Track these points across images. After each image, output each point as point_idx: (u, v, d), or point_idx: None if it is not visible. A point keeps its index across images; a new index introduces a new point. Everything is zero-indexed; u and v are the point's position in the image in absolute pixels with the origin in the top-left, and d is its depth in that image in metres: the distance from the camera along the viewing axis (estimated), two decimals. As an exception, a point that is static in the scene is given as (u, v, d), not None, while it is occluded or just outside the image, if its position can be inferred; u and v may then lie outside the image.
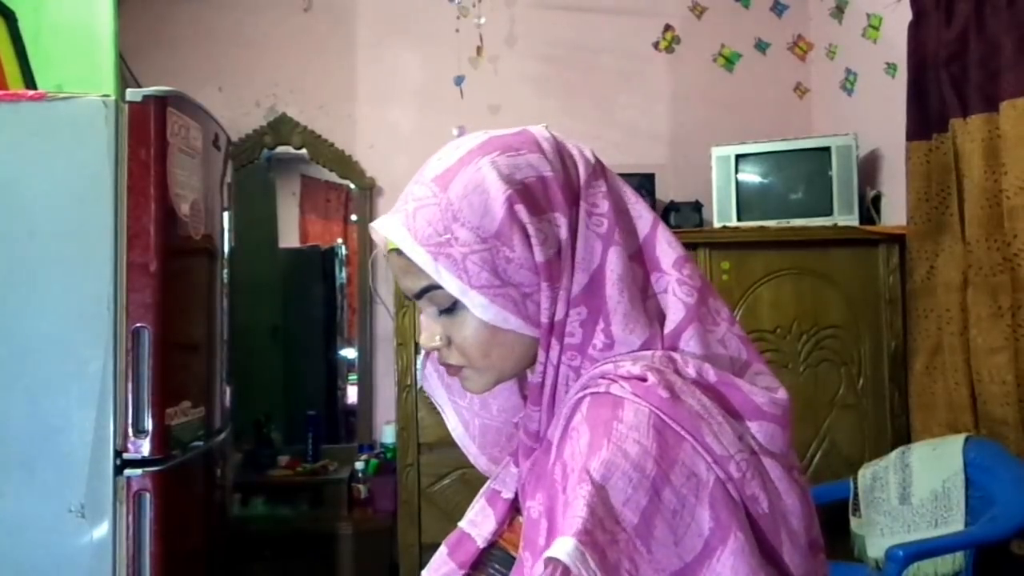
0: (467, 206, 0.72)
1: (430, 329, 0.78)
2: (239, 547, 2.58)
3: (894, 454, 2.39)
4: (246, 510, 3.02)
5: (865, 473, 2.42)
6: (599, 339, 0.71)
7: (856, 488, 2.41)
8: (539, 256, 0.71)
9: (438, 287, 0.73)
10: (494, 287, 0.71)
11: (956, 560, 2.12)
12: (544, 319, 0.72)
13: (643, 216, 0.77)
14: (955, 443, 2.26)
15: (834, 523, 2.43)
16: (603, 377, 0.69)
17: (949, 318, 2.49)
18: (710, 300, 0.75)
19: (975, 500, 2.16)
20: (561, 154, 0.76)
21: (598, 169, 0.77)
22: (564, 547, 0.58)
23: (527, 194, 0.72)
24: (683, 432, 0.64)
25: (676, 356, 0.71)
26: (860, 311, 2.75)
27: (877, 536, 2.29)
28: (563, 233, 0.72)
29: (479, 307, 0.72)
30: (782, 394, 0.72)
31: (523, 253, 0.71)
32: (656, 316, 0.74)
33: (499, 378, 0.79)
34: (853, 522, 2.40)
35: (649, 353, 0.71)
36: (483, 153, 0.74)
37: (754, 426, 0.69)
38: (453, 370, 0.80)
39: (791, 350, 2.73)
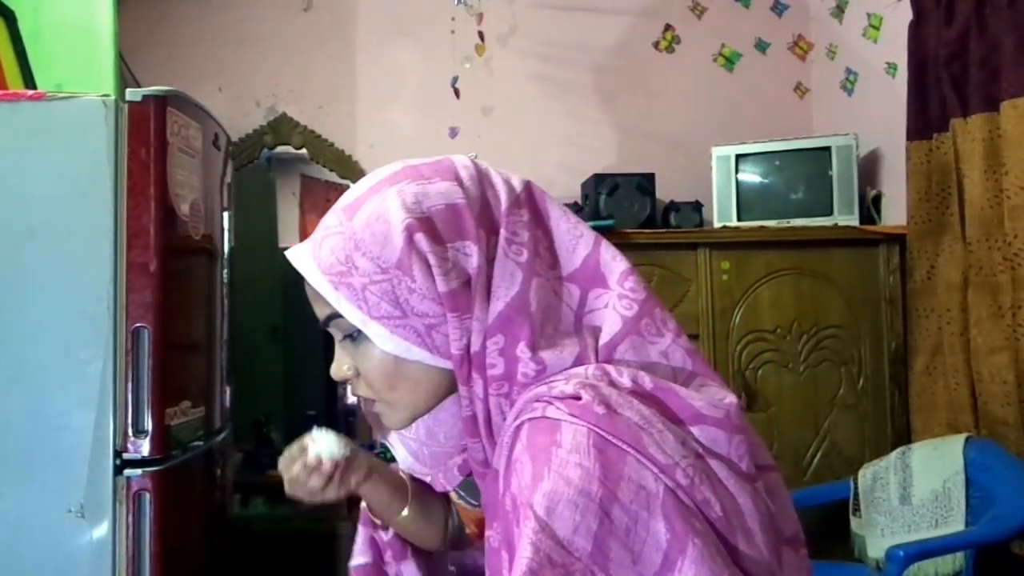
0: (369, 236, 0.71)
1: (340, 359, 0.79)
2: (239, 547, 2.58)
3: (894, 454, 2.39)
4: (246, 510, 3.02)
5: (865, 473, 2.42)
6: (528, 367, 0.70)
7: (856, 488, 2.41)
8: (441, 286, 0.70)
9: (340, 316, 0.73)
10: (395, 318, 0.71)
11: (956, 560, 2.12)
12: (455, 350, 0.71)
13: (583, 237, 0.76)
14: (955, 443, 2.26)
15: (834, 523, 2.43)
16: (537, 400, 0.67)
17: (949, 318, 2.49)
18: (656, 311, 0.74)
19: (975, 500, 2.16)
20: (481, 183, 0.75)
21: (523, 198, 0.76)
22: None
23: (430, 224, 0.71)
24: (624, 446, 0.63)
25: (610, 368, 0.69)
26: (860, 311, 2.75)
27: (877, 536, 2.29)
28: (473, 262, 0.71)
29: (379, 337, 0.71)
30: (728, 400, 0.70)
31: (424, 283, 0.70)
32: (591, 331, 0.73)
33: (413, 413, 0.78)
34: (853, 522, 2.40)
35: (582, 369, 0.69)
36: (392, 183, 0.74)
37: (695, 430, 0.68)
38: (368, 403, 0.80)
39: (791, 350, 2.73)
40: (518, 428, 0.68)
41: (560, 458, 0.62)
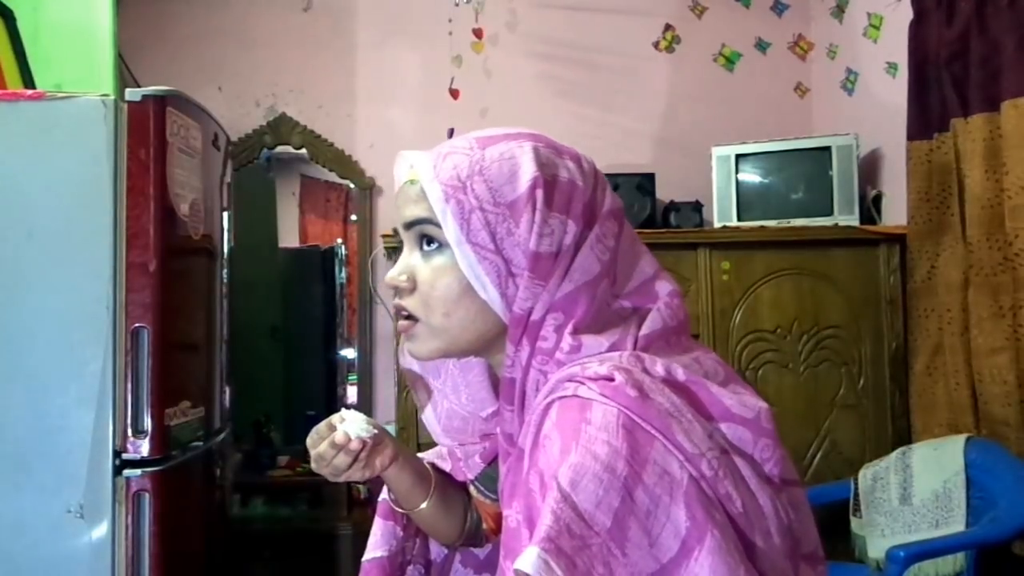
0: (496, 168, 0.74)
1: (403, 266, 0.79)
2: (239, 547, 2.58)
3: (895, 454, 2.39)
4: (246, 510, 3.02)
5: (866, 473, 2.41)
6: (567, 342, 0.72)
7: (857, 488, 2.41)
8: (533, 245, 0.72)
9: (434, 223, 0.74)
10: (487, 250, 0.72)
11: (957, 561, 2.12)
12: (518, 309, 0.72)
13: (645, 270, 0.80)
14: (956, 443, 2.26)
15: (835, 523, 2.42)
16: (570, 380, 0.69)
17: (950, 318, 2.49)
18: (682, 338, 0.77)
19: (976, 501, 2.15)
20: (596, 180, 0.78)
21: (619, 212, 0.79)
22: (528, 558, 0.58)
23: (552, 187, 0.74)
24: (653, 431, 0.64)
25: (644, 356, 0.71)
26: (860, 311, 2.75)
27: (878, 537, 2.29)
28: (568, 240, 0.73)
29: (466, 262, 0.73)
30: (761, 404, 0.71)
31: (524, 234, 0.72)
32: (634, 326, 0.75)
33: (448, 347, 0.79)
34: (854, 523, 2.39)
35: (617, 354, 0.71)
36: (530, 139, 0.77)
37: (723, 426, 0.68)
38: (407, 325, 0.80)
39: (791, 350, 2.73)
40: (548, 406, 0.69)
41: (589, 434, 0.63)
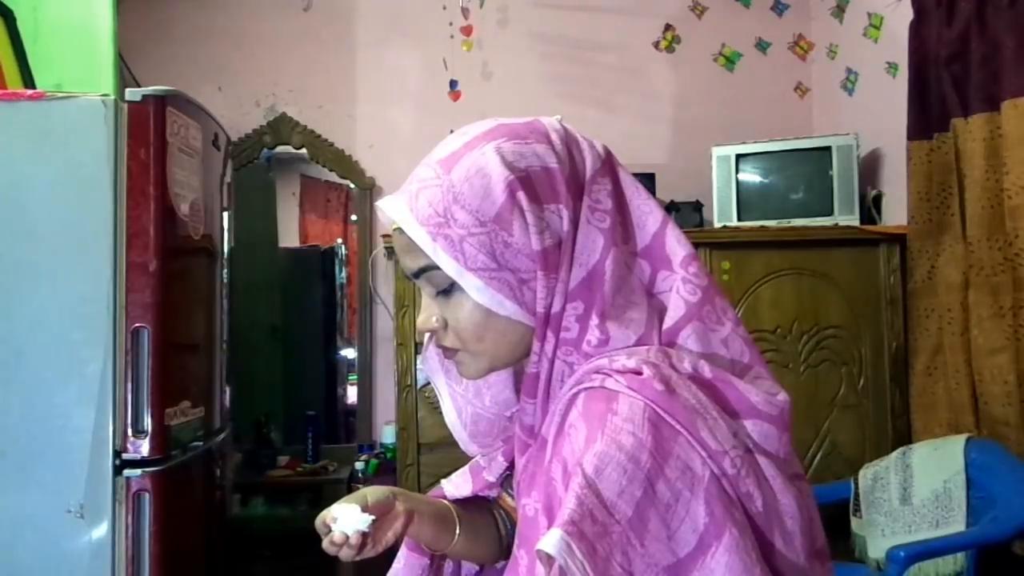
0: (468, 189, 0.72)
1: (428, 310, 0.79)
2: (239, 547, 2.58)
3: (895, 454, 2.39)
4: (246, 510, 3.02)
5: (866, 473, 2.41)
6: (594, 335, 0.71)
7: (857, 488, 2.41)
8: (535, 244, 0.71)
9: (436, 267, 0.73)
10: (490, 270, 0.71)
11: (957, 561, 2.12)
12: (540, 308, 0.72)
13: (653, 213, 0.78)
14: (956, 443, 2.26)
15: (835, 523, 2.42)
16: (597, 372, 0.69)
17: (950, 318, 2.49)
18: (716, 299, 0.75)
19: (976, 501, 2.15)
20: (569, 147, 0.77)
21: (607, 165, 0.78)
22: (551, 539, 0.59)
23: (529, 182, 0.73)
24: (678, 426, 0.64)
25: (672, 351, 0.71)
26: (861, 311, 2.75)
27: (878, 536, 2.29)
28: (564, 225, 0.72)
29: (474, 289, 0.72)
30: (782, 396, 0.72)
31: (521, 239, 0.71)
32: (657, 313, 0.74)
33: (493, 364, 0.79)
34: (854, 522, 2.39)
35: (644, 348, 0.71)
36: (489, 139, 0.75)
37: (749, 424, 0.69)
38: (449, 353, 0.80)
39: (791, 350, 2.73)
40: (574, 396, 0.69)
41: (615, 425, 0.64)
